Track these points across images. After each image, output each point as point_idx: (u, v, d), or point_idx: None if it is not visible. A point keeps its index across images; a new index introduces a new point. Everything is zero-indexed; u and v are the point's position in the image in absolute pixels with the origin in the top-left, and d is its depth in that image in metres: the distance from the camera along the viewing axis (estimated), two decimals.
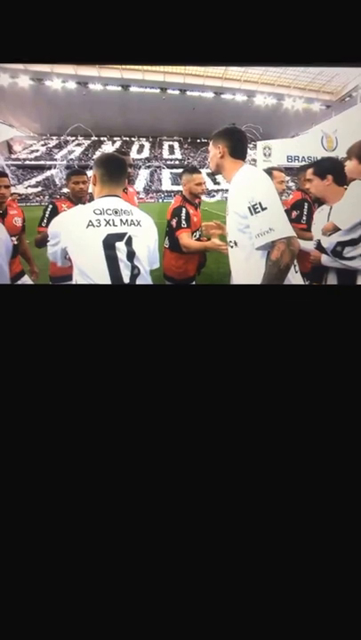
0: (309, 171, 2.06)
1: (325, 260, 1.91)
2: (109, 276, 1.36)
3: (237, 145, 1.60)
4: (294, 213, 2.61)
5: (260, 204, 1.43)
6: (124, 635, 0.99)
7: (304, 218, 2.58)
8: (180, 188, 2.72)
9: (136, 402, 1.37)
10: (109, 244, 1.37)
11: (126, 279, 1.38)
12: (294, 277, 1.55)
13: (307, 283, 2.07)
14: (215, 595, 1.05)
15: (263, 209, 1.43)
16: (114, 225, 1.40)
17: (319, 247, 1.94)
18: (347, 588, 1.05)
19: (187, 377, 1.39)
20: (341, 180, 1.93)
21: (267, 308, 1.44)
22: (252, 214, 1.45)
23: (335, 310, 1.45)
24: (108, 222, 1.39)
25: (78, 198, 2.53)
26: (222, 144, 1.59)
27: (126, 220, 1.43)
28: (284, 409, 1.34)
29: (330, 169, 1.91)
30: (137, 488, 1.23)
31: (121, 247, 1.38)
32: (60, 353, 1.41)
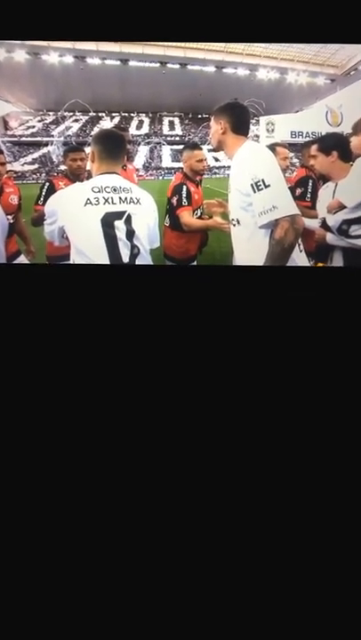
0: (314, 147, 2.01)
1: (331, 238, 1.87)
2: (108, 255, 1.33)
3: (239, 120, 1.56)
4: (298, 191, 2.54)
5: (263, 181, 1.40)
6: (124, 634, 0.99)
7: (308, 195, 2.52)
8: (180, 164, 2.66)
9: (134, 384, 1.35)
10: (108, 222, 1.34)
11: (125, 258, 1.36)
12: (299, 257, 1.53)
13: (312, 262, 2.04)
14: (215, 593, 1.05)
15: (266, 186, 1.40)
16: (113, 203, 1.36)
17: (324, 225, 1.90)
18: (346, 587, 1.06)
19: (186, 359, 1.38)
20: (347, 156, 1.89)
21: (270, 289, 1.41)
22: (254, 192, 1.41)
23: (342, 292, 1.42)
24: (106, 200, 1.36)
25: (76, 176, 2.47)
26: (224, 119, 1.55)
27: (125, 198, 1.39)
28: (287, 395, 1.33)
29: (335, 145, 1.88)
30: (137, 473, 1.23)
31: (120, 226, 1.35)
32: (58, 334, 1.39)
